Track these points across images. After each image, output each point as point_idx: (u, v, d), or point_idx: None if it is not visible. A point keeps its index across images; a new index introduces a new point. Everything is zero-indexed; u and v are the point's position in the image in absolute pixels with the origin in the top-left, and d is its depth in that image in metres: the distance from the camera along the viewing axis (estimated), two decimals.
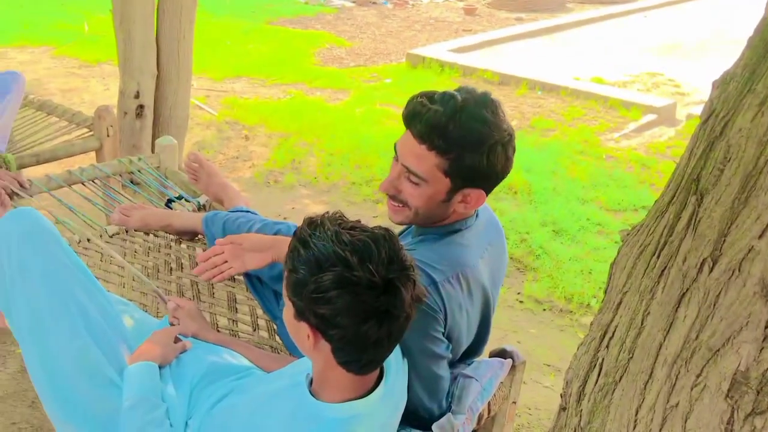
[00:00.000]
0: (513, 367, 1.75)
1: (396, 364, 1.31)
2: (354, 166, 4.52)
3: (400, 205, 1.46)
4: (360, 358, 1.14)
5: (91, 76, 6.16)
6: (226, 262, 1.75)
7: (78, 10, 8.75)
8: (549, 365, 2.87)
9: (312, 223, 1.16)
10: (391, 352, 1.18)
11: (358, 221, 1.19)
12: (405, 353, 1.37)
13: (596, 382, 1.23)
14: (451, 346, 1.47)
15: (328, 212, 1.19)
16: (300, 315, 1.14)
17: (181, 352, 1.60)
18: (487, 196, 1.46)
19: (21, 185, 2.50)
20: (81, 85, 5.92)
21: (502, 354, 1.75)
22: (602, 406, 1.21)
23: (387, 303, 1.09)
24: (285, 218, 3.44)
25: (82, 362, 1.47)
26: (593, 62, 7.17)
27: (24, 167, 2.98)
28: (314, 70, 6.81)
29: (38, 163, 3.02)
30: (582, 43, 8.25)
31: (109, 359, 1.51)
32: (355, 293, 1.08)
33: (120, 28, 3.41)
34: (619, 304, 1.19)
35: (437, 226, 1.49)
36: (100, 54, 6.63)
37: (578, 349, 1.33)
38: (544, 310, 3.23)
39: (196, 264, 2.24)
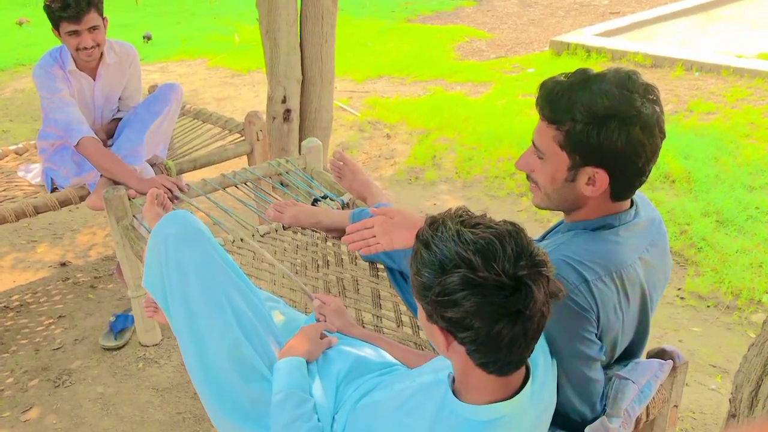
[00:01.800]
0: (674, 368, 1.61)
1: (544, 363, 1.24)
2: (496, 160, 4.42)
3: (534, 185, 1.44)
4: (496, 359, 1.08)
5: (242, 85, 6.49)
6: (374, 237, 1.73)
7: (229, 22, 9.28)
8: (715, 366, 2.65)
9: (433, 222, 1.12)
10: (530, 351, 1.11)
11: (484, 215, 1.13)
12: (555, 354, 1.30)
13: None
14: (604, 348, 1.38)
15: (450, 209, 1.14)
16: (430, 318, 1.11)
17: (328, 348, 1.62)
18: (622, 182, 1.33)
19: (180, 189, 2.67)
20: (233, 93, 6.26)
21: (661, 354, 1.63)
22: None
23: (518, 303, 1.03)
24: (426, 215, 3.43)
25: (234, 356, 1.53)
26: (758, 38, 6.56)
27: (183, 172, 3.18)
28: (454, 65, 6.76)
29: (195, 168, 3.21)
30: (745, 18, 7.57)
31: (259, 354, 1.56)
32: (483, 294, 1.02)
33: (266, 36, 3.54)
34: None
35: (585, 220, 1.40)
36: (249, 63, 6.98)
37: (749, 350, 1.20)
38: (708, 306, 2.99)
39: (342, 261, 2.29)
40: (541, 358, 1.24)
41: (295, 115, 3.71)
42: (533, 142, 1.39)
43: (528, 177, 1.45)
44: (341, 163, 2.55)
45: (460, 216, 1.11)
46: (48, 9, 2.68)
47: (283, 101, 3.64)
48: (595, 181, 1.33)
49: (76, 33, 2.71)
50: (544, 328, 1.09)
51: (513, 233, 1.07)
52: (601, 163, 1.31)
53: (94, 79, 2.94)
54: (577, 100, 1.28)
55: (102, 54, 2.88)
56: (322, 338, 1.64)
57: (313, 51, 3.62)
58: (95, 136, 2.77)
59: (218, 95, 6.20)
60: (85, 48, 2.75)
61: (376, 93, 6.03)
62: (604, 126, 1.26)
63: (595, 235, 1.38)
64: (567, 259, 1.31)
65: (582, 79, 1.31)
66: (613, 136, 1.27)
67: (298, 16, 3.55)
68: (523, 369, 1.17)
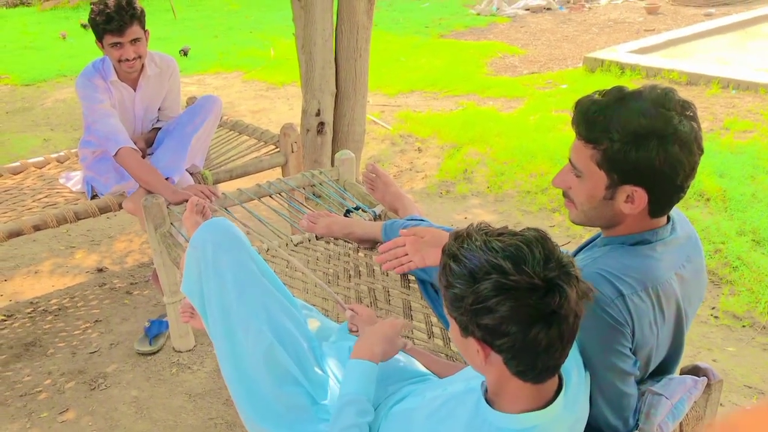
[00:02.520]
0: (708, 385, 1.60)
1: (578, 375, 1.25)
2: (529, 175, 4.42)
3: (569, 202, 1.44)
4: (534, 365, 1.09)
5: (277, 98, 6.59)
6: (407, 255, 1.75)
7: (265, 37, 9.43)
8: (750, 387, 2.60)
9: (458, 236, 1.13)
10: (565, 356, 1.12)
11: (506, 227, 1.15)
12: (588, 367, 1.30)
13: None
14: (639, 363, 1.38)
15: (472, 224, 1.16)
16: (465, 330, 1.12)
17: (403, 350, 1.56)
18: (661, 199, 1.34)
19: (216, 197, 2.73)
20: (268, 105, 6.35)
21: (695, 371, 1.61)
22: None
23: (552, 303, 1.04)
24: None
25: (269, 361, 1.56)
26: None
27: (219, 182, 3.24)
28: (486, 80, 6.78)
29: (231, 178, 3.27)
30: None
31: (294, 359, 1.59)
32: (516, 298, 1.04)
33: (302, 50, 3.60)
34: None
35: (622, 235, 1.40)
36: (284, 77, 7.09)
37: None
38: (744, 326, 2.94)
39: (373, 272, 2.32)
40: (574, 369, 1.25)
41: (328, 128, 3.75)
42: (570, 161, 1.39)
43: (564, 194, 1.46)
44: (374, 175, 2.59)
45: (483, 228, 1.14)
46: (92, 21, 2.77)
47: (317, 114, 3.70)
48: (633, 199, 1.33)
49: (118, 45, 2.79)
50: (578, 331, 1.10)
51: (539, 238, 1.10)
52: (640, 181, 1.31)
53: (135, 90, 3.02)
54: (613, 119, 1.29)
55: (143, 66, 2.96)
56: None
57: (348, 65, 3.67)
58: (134, 147, 2.84)
59: (254, 108, 6.30)
60: (127, 59, 2.83)
61: (408, 107, 6.07)
62: (642, 145, 1.27)
63: (632, 250, 1.38)
64: (603, 273, 1.31)
65: (618, 98, 1.31)
66: (651, 155, 1.27)
67: (334, 30, 3.60)
68: (557, 379, 1.18)
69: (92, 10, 2.77)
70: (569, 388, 1.20)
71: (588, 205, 1.39)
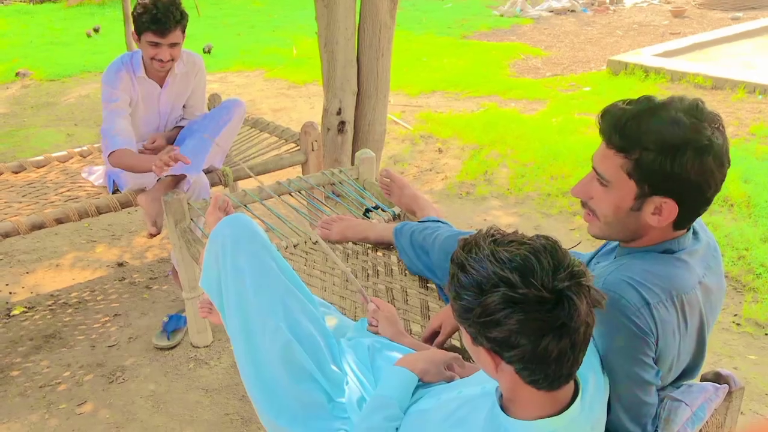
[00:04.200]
0: (729, 393, 1.57)
1: (595, 380, 1.23)
2: (549, 177, 4.39)
3: (590, 214, 1.40)
4: (546, 374, 1.08)
5: (298, 96, 6.61)
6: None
7: (287, 35, 9.46)
8: None
9: (466, 245, 1.11)
10: (578, 363, 1.10)
11: (515, 232, 1.12)
12: (608, 374, 1.28)
13: None
14: (660, 372, 1.36)
15: (481, 230, 1.14)
16: (474, 340, 1.11)
17: (445, 380, 1.52)
18: (689, 211, 1.32)
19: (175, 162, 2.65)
20: (289, 104, 6.37)
21: (716, 378, 1.59)
22: None
23: (562, 316, 1.02)
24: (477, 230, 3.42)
25: (285, 357, 1.56)
26: None
27: (239, 179, 3.26)
28: (508, 82, 6.74)
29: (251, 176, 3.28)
30: None
31: (310, 356, 1.59)
32: (525, 311, 1.02)
33: (324, 49, 3.61)
34: None
35: (644, 247, 1.38)
36: (306, 75, 7.10)
37: None
38: (766, 334, 2.89)
39: (391, 271, 2.31)
40: (591, 373, 1.23)
41: (349, 127, 3.76)
42: (595, 169, 1.36)
43: (583, 205, 1.42)
44: (388, 180, 2.61)
45: (492, 235, 1.11)
46: (137, 16, 2.78)
47: (338, 113, 3.70)
48: (662, 211, 1.31)
49: (156, 44, 2.81)
50: (600, 338, 1.08)
51: (548, 247, 1.07)
52: (671, 192, 1.29)
53: (162, 87, 3.04)
54: (647, 129, 1.26)
55: None
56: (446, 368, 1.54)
57: (370, 65, 3.67)
58: (128, 148, 2.83)
59: (275, 106, 6.32)
60: (161, 60, 2.85)
61: (429, 108, 6.05)
62: (677, 155, 1.24)
63: (659, 258, 1.36)
64: (629, 280, 1.29)
65: (649, 107, 1.29)
66: (686, 166, 1.25)
67: (356, 30, 3.60)
68: (572, 385, 1.16)
69: (138, 5, 2.78)
70: (586, 394, 1.19)
71: (613, 216, 1.36)
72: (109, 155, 2.82)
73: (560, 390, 1.13)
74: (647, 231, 1.36)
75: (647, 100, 1.31)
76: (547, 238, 1.10)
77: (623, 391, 1.31)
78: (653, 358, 1.32)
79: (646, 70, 6.46)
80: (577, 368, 1.11)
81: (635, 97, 1.35)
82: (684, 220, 1.34)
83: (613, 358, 1.29)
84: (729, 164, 1.30)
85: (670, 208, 1.30)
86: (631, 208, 1.33)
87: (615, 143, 1.30)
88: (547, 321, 1.02)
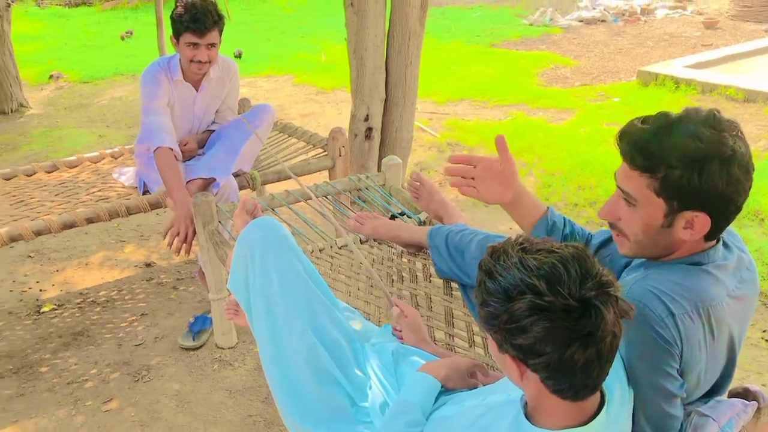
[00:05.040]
0: (758, 409, 1.55)
1: (621, 391, 1.22)
2: (577, 188, 4.36)
3: (619, 235, 1.39)
4: (572, 384, 1.07)
5: (326, 102, 6.65)
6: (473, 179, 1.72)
7: (317, 41, 9.53)
8: None
9: (494, 252, 1.11)
10: (605, 374, 1.09)
11: (546, 240, 1.12)
12: (633, 385, 1.27)
13: None
14: (686, 385, 1.34)
15: (510, 238, 1.14)
16: (500, 347, 1.11)
17: (468, 388, 1.53)
18: (721, 222, 1.31)
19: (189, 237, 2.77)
20: (317, 110, 6.41)
21: (744, 394, 1.56)
22: None
23: (588, 325, 1.02)
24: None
25: (311, 360, 1.57)
26: None
27: (267, 183, 3.29)
28: (537, 91, 6.72)
29: (279, 179, 3.32)
30: None
31: (335, 359, 1.60)
32: (551, 319, 1.02)
33: (353, 56, 3.63)
34: None
35: (672, 260, 1.37)
36: (334, 81, 7.15)
37: None
38: None
39: (416, 278, 2.32)
40: (617, 385, 1.22)
41: (376, 134, 3.77)
42: (621, 189, 1.35)
43: (612, 226, 1.41)
44: (418, 183, 2.59)
45: (521, 243, 1.11)
46: (176, 17, 2.83)
47: (366, 119, 3.71)
48: (693, 225, 1.30)
49: (195, 45, 2.86)
50: (625, 348, 1.07)
51: (576, 256, 1.06)
52: (702, 206, 1.28)
53: (197, 91, 3.08)
54: (668, 146, 1.26)
55: None
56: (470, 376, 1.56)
57: (398, 72, 3.68)
58: (174, 148, 2.89)
59: (303, 111, 6.36)
60: (199, 61, 2.90)
61: (456, 115, 6.05)
62: (703, 169, 1.24)
63: (686, 269, 1.34)
64: (655, 291, 1.28)
65: (666, 124, 1.28)
66: (714, 178, 1.24)
67: (386, 37, 3.62)
68: (598, 395, 1.15)
69: (177, 6, 2.84)
70: (611, 405, 1.18)
71: (643, 235, 1.35)
72: (155, 150, 2.86)
73: (586, 401, 1.12)
74: (680, 245, 1.35)
75: (664, 116, 1.30)
76: (576, 246, 1.09)
77: (648, 403, 1.30)
78: (678, 370, 1.30)
79: (677, 82, 6.39)
80: (604, 379, 1.10)
81: (664, 109, 1.35)
82: (716, 230, 1.33)
83: (637, 368, 1.28)
84: (753, 169, 1.29)
85: (702, 222, 1.29)
86: (661, 225, 1.32)
87: (638, 164, 1.29)
88: (573, 329, 1.02)
